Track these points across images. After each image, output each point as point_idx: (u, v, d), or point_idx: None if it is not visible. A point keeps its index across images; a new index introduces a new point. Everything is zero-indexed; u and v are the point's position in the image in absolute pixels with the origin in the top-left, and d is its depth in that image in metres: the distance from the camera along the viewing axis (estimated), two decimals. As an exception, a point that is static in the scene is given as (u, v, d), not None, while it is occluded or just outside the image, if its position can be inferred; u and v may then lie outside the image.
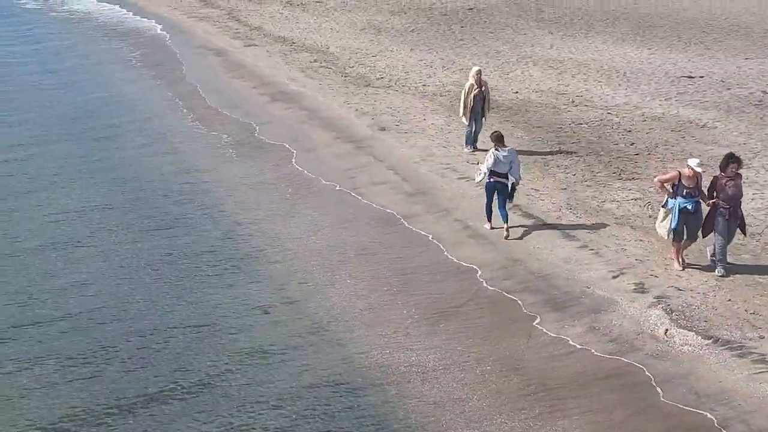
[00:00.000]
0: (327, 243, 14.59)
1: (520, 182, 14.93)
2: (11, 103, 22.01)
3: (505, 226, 14.42)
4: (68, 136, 20.05)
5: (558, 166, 17.34)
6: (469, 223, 14.90)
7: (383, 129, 19.84)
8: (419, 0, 34.85)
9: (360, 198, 16.39)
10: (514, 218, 14.71)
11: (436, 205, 15.79)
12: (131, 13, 32.69)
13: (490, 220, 14.77)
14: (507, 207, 14.51)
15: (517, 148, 18.06)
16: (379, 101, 21.96)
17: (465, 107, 18.04)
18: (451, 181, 16.57)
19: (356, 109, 21.29)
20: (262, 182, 17.52)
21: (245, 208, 16.22)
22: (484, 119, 18.38)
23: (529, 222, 14.72)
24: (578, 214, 14.88)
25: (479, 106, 18.09)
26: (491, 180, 14.48)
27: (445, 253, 13.99)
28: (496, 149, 14.42)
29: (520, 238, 14.22)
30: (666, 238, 12.97)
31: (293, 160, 18.47)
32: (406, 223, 15.19)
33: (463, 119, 18.14)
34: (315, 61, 25.86)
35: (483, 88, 18.11)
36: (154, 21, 31.47)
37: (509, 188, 14.51)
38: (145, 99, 23.57)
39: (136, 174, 18.07)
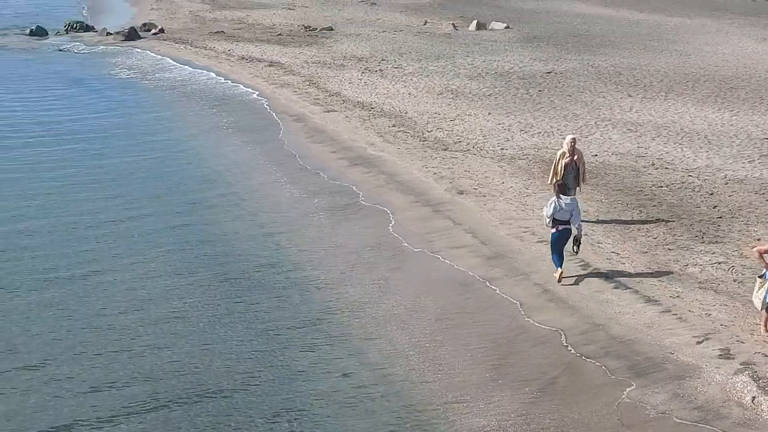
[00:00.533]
0: (406, 306, 14.61)
1: (593, 240, 14.95)
2: (105, 175, 22.45)
3: (560, 270, 14.80)
4: (162, 207, 20.33)
5: (639, 230, 17.16)
6: (548, 287, 14.81)
7: (461, 192, 19.89)
8: (496, 65, 35.07)
9: (439, 261, 16.41)
10: (595, 282, 14.60)
11: (515, 268, 15.72)
12: (222, 79, 33.41)
13: (558, 266, 14.99)
14: (576, 243, 15.03)
15: (597, 212, 17.98)
16: (457, 165, 22.05)
17: (555, 175, 17.22)
18: (530, 244, 16.51)
19: (434, 173, 21.40)
20: (342, 245, 17.66)
21: (324, 270, 16.35)
22: (578, 189, 17.43)
23: (610, 285, 14.57)
24: (660, 278, 14.69)
25: (570, 175, 17.16)
26: (555, 230, 15.04)
27: (526, 317, 13.90)
28: (558, 198, 14.96)
29: (601, 301, 14.07)
30: (760, 309, 12.65)
31: (382, 223, 18.60)
32: (485, 286, 15.15)
33: (551, 187, 16.99)
34: (393, 125, 26.12)
35: (576, 158, 17.25)
36: (245, 87, 32.14)
37: (572, 236, 15.07)
38: (236, 160, 23.98)
39: (216, 232, 18.36)
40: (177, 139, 26.08)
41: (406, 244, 17.38)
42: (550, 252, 15.19)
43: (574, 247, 15.15)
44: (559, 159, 17.33)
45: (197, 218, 19.48)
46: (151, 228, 18.73)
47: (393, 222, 18.61)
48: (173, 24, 44.28)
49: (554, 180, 17.04)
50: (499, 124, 26.12)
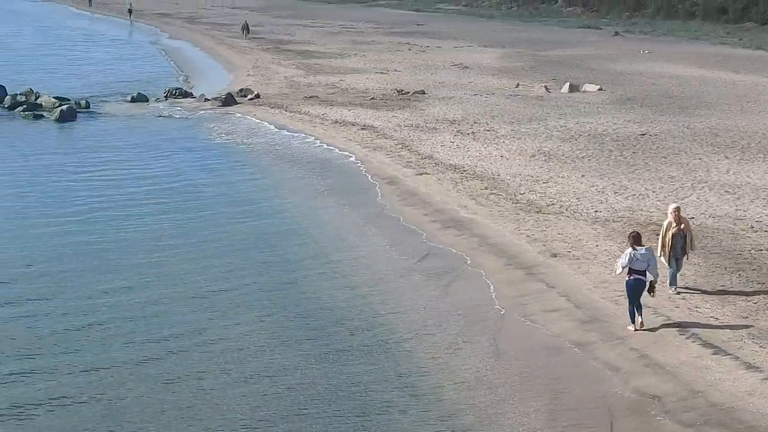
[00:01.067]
0: (498, 371, 14.51)
1: (690, 305, 14.74)
2: (205, 243, 22.77)
3: (639, 320, 15.44)
4: (262, 273, 20.52)
5: (738, 294, 16.79)
6: (645, 352, 14.55)
7: (555, 255, 19.76)
8: (589, 127, 34.92)
9: (532, 325, 16.28)
10: (694, 347, 14.31)
11: (610, 333, 15.51)
12: (317, 142, 33.90)
13: (633, 322, 15.38)
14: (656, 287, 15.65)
15: (695, 276, 17.66)
16: (550, 227, 21.94)
17: (663, 247, 17.10)
18: (626, 308, 16.26)
19: (527, 236, 21.32)
20: (435, 307, 17.67)
21: (418, 336, 16.37)
22: (686, 258, 17.33)
23: (708, 351, 14.26)
24: (762, 344, 14.32)
25: (679, 245, 17.05)
26: (631, 278, 15.56)
27: (622, 383, 13.66)
28: (633, 248, 15.53)
29: (700, 367, 13.76)
30: None
31: (476, 287, 18.58)
32: (578, 351, 14.96)
33: (662, 259, 16.97)
34: (486, 188, 26.14)
35: (682, 226, 17.17)
36: (340, 150, 32.57)
37: (648, 285, 15.61)
38: (332, 223, 24.25)
39: (303, 289, 18.53)
40: (275, 204, 26.42)
41: (498, 307, 17.31)
42: (628, 303, 15.61)
43: (651, 293, 15.64)
44: (666, 230, 17.23)
45: (296, 284, 19.62)
46: (252, 295, 18.84)
47: (486, 285, 18.56)
48: (269, 89, 45.23)
49: (664, 251, 17.07)
50: (593, 186, 25.94)
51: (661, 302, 16.25)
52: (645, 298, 15.69)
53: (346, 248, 22.09)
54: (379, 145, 32.62)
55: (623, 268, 15.59)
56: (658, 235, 17.69)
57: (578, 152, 30.58)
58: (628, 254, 15.48)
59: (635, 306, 15.45)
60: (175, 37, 76.16)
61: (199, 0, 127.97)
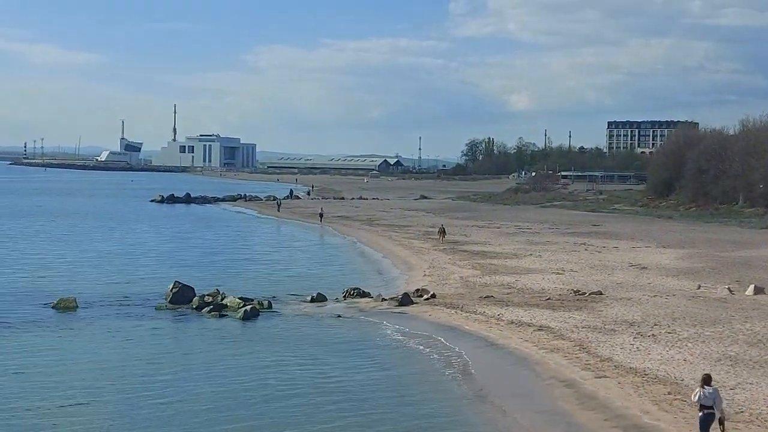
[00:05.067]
0: None
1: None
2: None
3: None
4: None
5: None
6: None
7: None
8: (778, 330, 33.43)
9: None
10: None
11: None
12: (490, 345, 33.62)
13: None
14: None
15: None
16: (740, 437, 20.76)
17: None
18: None
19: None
20: None
21: None
22: None
23: None
24: None
25: None
26: (702, 413, 19.51)
27: None
28: (702, 388, 19.62)
29: None
30: None
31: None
32: None
33: None
34: (669, 393, 25.15)
35: None
36: (512, 350, 32.26)
37: (717, 419, 19.43)
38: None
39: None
40: (446, 406, 26.21)
41: None
42: None
43: (720, 427, 19.25)
44: None
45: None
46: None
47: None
48: (444, 289, 45.64)
49: None
50: (785, 392, 24.57)
51: None
52: None
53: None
54: (555, 346, 32.10)
55: (696, 402, 19.68)
56: None
57: (767, 357, 29.20)
58: (698, 393, 19.67)
59: None
60: (356, 239, 78.54)
61: (376, 204, 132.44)
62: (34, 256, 61.81)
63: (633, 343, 32.02)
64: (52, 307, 40.89)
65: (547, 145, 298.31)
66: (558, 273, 51.27)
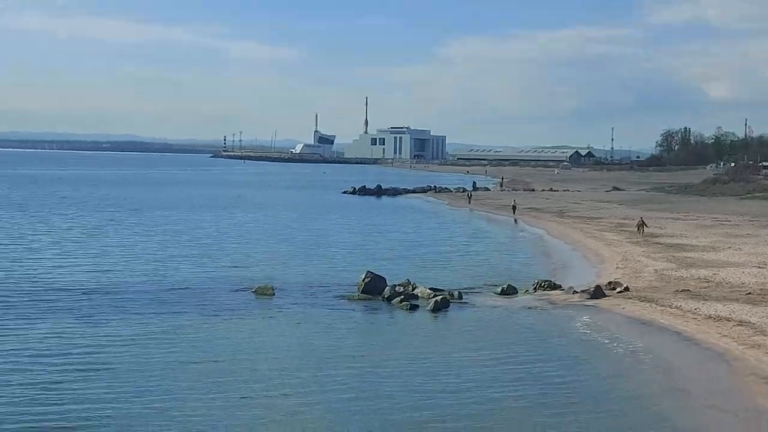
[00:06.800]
0: None
1: None
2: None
3: None
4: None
5: None
6: None
7: None
8: None
9: None
10: None
11: None
12: (688, 341, 32.66)
13: None
14: None
15: None
16: None
17: None
18: None
19: None
20: None
21: None
22: None
23: None
24: None
25: None
26: None
27: None
28: None
29: None
30: None
31: None
32: None
33: None
34: None
35: None
36: (708, 346, 31.34)
37: None
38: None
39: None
40: (638, 405, 25.73)
41: None
42: None
43: None
44: None
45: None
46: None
47: None
48: (638, 282, 44.67)
49: None
50: None
51: None
52: None
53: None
54: (757, 342, 30.92)
55: None
56: None
57: None
58: None
59: None
60: (546, 230, 77.88)
61: (567, 195, 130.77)
62: (235, 246, 64.44)
63: None
64: (252, 292, 42.72)
65: (748, 135, 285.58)
66: (759, 267, 49.23)
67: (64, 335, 32.65)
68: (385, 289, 42.63)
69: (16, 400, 24.36)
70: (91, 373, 27.53)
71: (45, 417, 23.11)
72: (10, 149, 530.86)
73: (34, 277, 46.36)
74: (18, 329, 33.33)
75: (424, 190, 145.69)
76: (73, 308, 37.84)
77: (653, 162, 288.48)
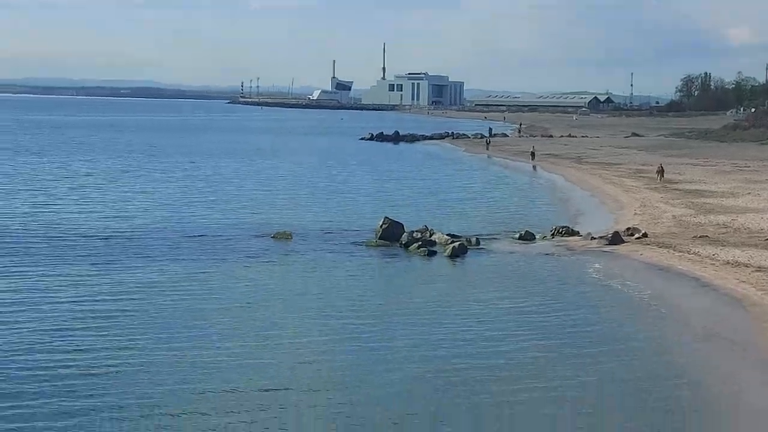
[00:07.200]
0: None
1: None
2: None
3: None
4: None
5: None
6: None
7: None
8: None
9: None
10: None
11: None
12: (706, 286, 32.57)
13: None
14: None
15: None
16: None
17: None
18: None
19: None
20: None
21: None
22: None
23: None
24: None
25: None
26: None
27: None
28: None
29: None
30: None
31: None
32: None
33: None
34: None
35: None
36: (723, 293, 31.32)
37: None
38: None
39: None
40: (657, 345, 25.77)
41: None
42: None
43: None
44: None
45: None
46: None
47: None
48: (656, 228, 44.56)
49: None
50: None
51: None
52: None
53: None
54: (775, 288, 30.88)
55: None
56: None
57: None
58: None
59: None
60: (564, 177, 77.66)
61: (586, 141, 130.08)
62: (256, 192, 64.59)
63: None
64: (272, 237, 43.05)
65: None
66: (778, 212, 49.02)
67: (82, 281, 32.85)
68: (403, 236, 42.60)
69: (35, 347, 24.51)
70: (110, 320, 27.73)
71: (64, 364, 23.20)
72: (30, 95, 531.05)
73: (56, 222, 46.59)
74: (36, 275, 33.55)
75: (441, 137, 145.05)
76: (91, 254, 38.07)
77: (673, 107, 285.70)
